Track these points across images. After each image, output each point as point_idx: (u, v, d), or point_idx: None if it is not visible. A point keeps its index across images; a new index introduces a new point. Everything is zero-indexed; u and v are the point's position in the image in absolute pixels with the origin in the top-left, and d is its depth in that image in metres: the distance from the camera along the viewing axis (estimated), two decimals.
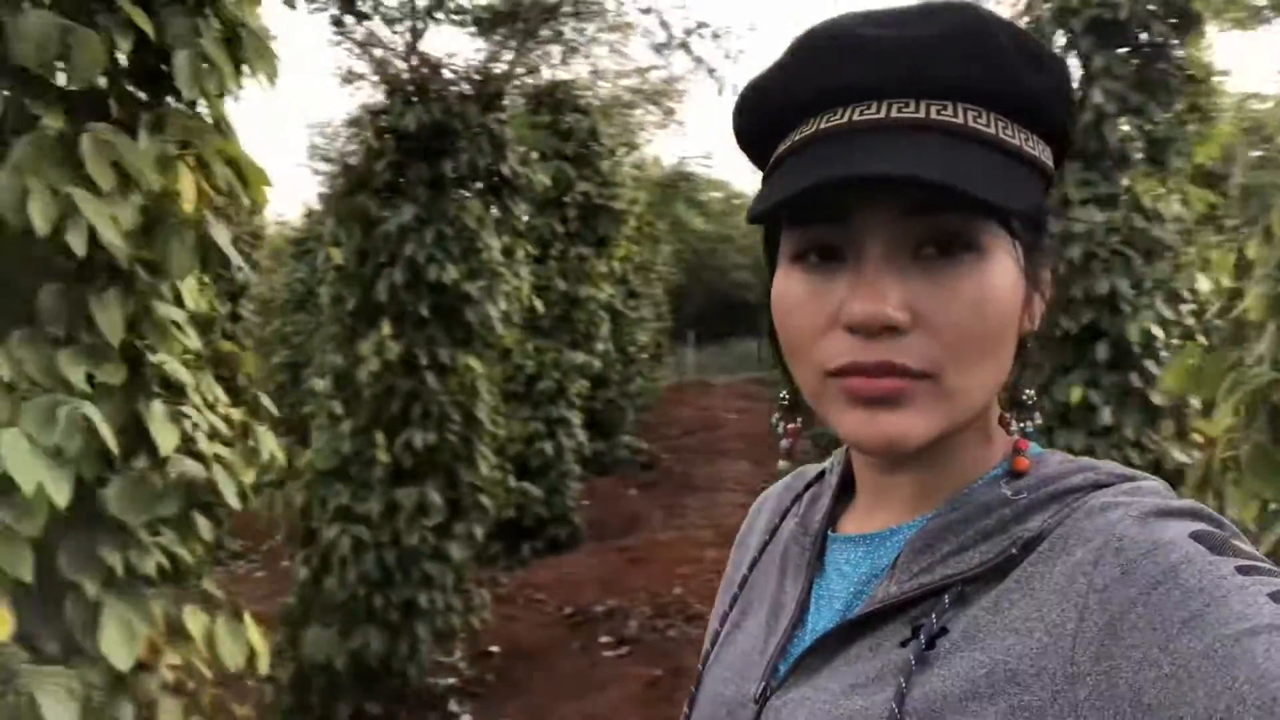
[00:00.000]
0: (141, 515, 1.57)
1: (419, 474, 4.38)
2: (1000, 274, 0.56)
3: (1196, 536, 0.50)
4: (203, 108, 1.80)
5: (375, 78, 4.64)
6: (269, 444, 1.91)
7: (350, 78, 5.10)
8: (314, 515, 4.38)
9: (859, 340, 0.55)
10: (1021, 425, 0.62)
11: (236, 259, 1.68)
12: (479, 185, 4.66)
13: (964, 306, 0.55)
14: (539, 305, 5.46)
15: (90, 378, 1.47)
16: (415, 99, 4.50)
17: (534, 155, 5.22)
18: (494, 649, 5.33)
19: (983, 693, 0.51)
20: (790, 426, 0.69)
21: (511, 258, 4.72)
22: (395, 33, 4.58)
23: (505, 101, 4.86)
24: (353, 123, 4.67)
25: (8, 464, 1.27)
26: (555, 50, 5.53)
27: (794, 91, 0.59)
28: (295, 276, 10.57)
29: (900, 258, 0.55)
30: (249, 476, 1.84)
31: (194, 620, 1.70)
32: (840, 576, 0.65)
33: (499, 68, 4.83)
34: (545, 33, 5.30)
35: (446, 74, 4.65)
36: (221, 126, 1.88)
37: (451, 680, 4.95)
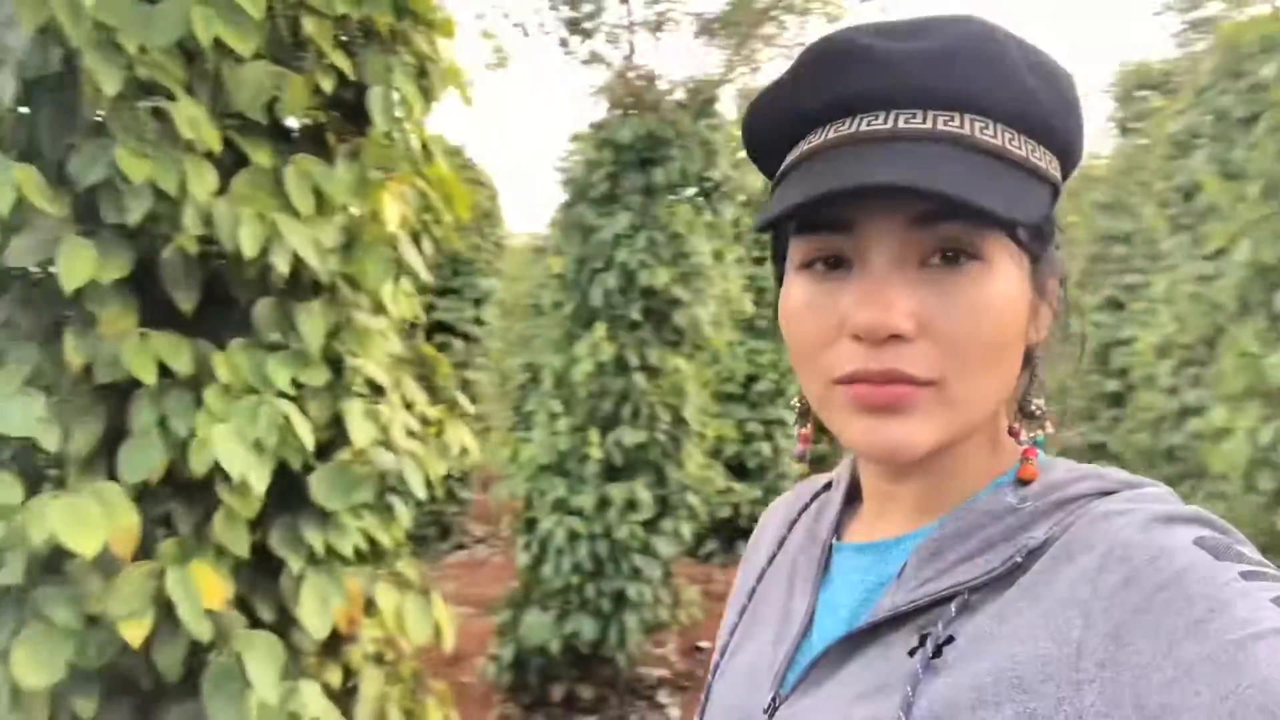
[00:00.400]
0: (340, 501, 1.77)
1: (629, 470, 4.55)
2: (1005, 284, 0.56)
3: (1200, 542, 0.50)
4: (408, 132, 1.99)
5: (597, 93, 4.86)
6: (460, 439, 2.08)
7: (577, 94, 5.36)
8: (534, 506, 4.65)
9: (864, 348, 0.56)
10: (1032, 435, 0.63)
11: (423, 272, 1.86)
12: (691, 190, 4.76)
13: (968, 315, 0.55)
14: (750, 307, 5.48)
15: (296, 381, 1.68)
16: (631, 111, 4.67)
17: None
18: (704, 644, 5.41)
19: (989, 700, 0.51)
20: (802, 432, 0.69)
21: (721, 260, 4.77)
22: (615, 49, 4.77)
23: (718, 107, 4.92)
24: (575, 138, 4.91)
25: (219, 454, 1.48)
26: (773, 50, 5.52)
27: (803, 102, 0.60)
28: (536, 284, 11.23)
29: (906, 266, 0.56)
30: (440, 469, 2.01)
31: (384, 597, 1.88)
32: (847, 585, 0.65)
33: (712, 74, 4.90)
34: (765, 31, 5.31)
35: (661, 85, 4.78)
36: (426, 150, 2.08)
37: (662, 672, 5.09)
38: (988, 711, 0.51)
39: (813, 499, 0.76)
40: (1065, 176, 0.62)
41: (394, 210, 1.87)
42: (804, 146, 0.60)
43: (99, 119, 1.52)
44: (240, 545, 1.68)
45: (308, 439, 1.59)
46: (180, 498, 1.71)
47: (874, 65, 0.57)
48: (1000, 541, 0.57)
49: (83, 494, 1.48)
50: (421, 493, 1.88)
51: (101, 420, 1.63)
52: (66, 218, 1.50)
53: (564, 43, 4.90)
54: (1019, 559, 0.55)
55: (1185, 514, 0.53)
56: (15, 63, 1.44)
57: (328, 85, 1.71)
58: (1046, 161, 0.59)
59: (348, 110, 1.86)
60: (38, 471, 1.64)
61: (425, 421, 2.10)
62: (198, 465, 1.53)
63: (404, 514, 2.03)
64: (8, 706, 1.57)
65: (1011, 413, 0.64)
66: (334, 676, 1.99)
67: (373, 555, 1.97)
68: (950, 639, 0.55)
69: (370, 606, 1.91)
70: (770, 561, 0.75)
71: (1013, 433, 0.64)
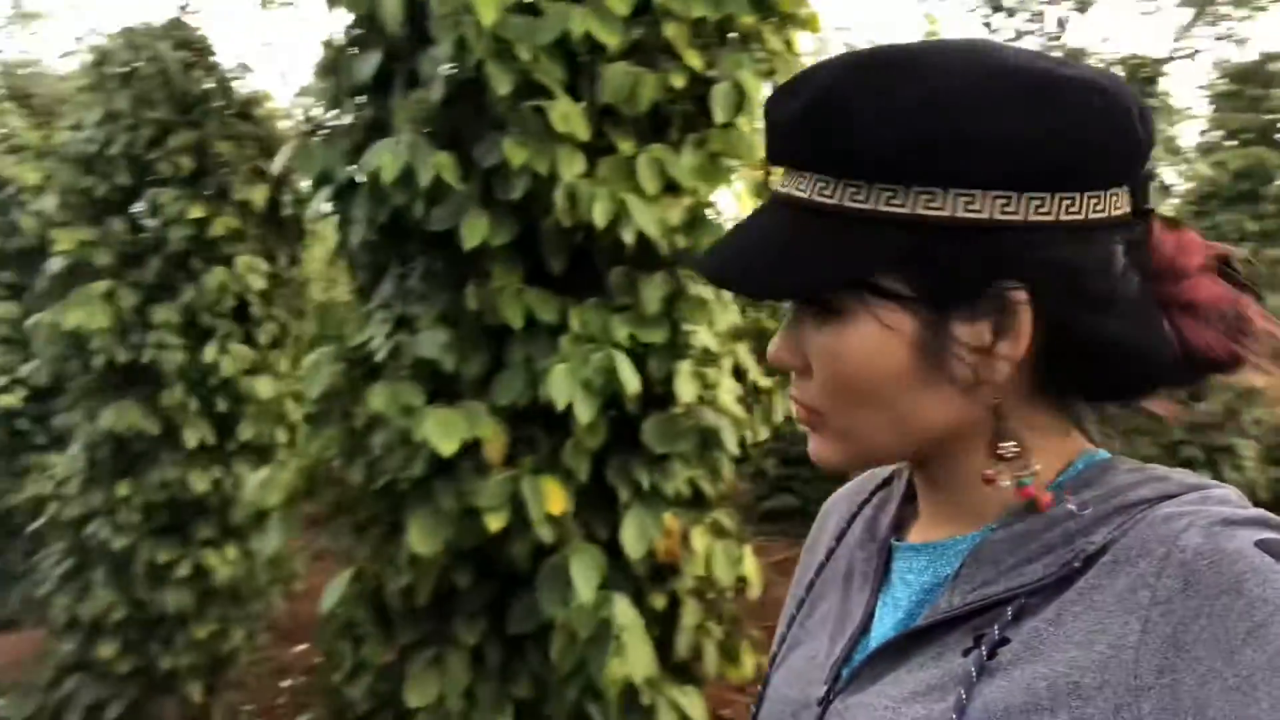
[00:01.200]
0: (665, 446, 2.02)
1: None
2: (855, 336, 0.58)
3: (1263, 545, 0.50)
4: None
5: None
6: (783, 407, 2.24)
7: None
8: None
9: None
10: (1016, 477, 0.60)
11: None
12: None
13: (822, 363, 0.61)
14: None
15: (635, 338, 1.96)
16: None
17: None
18: None
19: (1044, 705, 0.51)
20: None
21: None
22: (1039, 26, 4.50)
23: (1160, 84, 4.41)
24: None
25: (551, 387, 1.81)
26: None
27: None
28: None
29: (804, 310, 0.62)
30: (761, 433, 2.19)
31: (699, 539, 2.11)
32: (904, 585, 0.66)
33: (1152, 52, 4.40)
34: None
35: (1093, 62, 4.41)
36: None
37: None
38: (1041, 716, 0.51)
39: (873, 493, 0.76)
40: (1058, 185, 0.55)
41: (738, 193, 2.07)
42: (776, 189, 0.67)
43: (498, 115, 1.91)
44: (582, 470, 2.01)
45: (630, 384, 1.86)
46: (541, 424, 2.09)
47: (768, 129, 0.63)
48: (1059, 546, 0.57)
49: (456, 408, 1.89)
50: (735, 451, 2.07)
51: (488, 353, 2.06)
52: (471, 194, 1.92)
53: (987, 24, 4.73)
54: (1076, 564, 0.55)
55: (1248, 516, 0.52)
56: (440, 71, 1.87)
57: (680, 81, 1.94)
58: (916, 203, 0.55)
59: (698, 103, 2.09)
60: (437, 388, 2.11)
61: (756, 389, 2.29)
62: (545, 397, 1.88)
63: (727, 467, 2.24)
64: (406, 569, 2.06)
65: (989, 454, 0.61)
66: (659, 602, 2.28)
67: (696, 501, 2.21)
68: (1005, 641, 0.55)
69: (688, 546, 2.15)
70: (829, 556, 0.76)
71: (987, 480, 0.60)
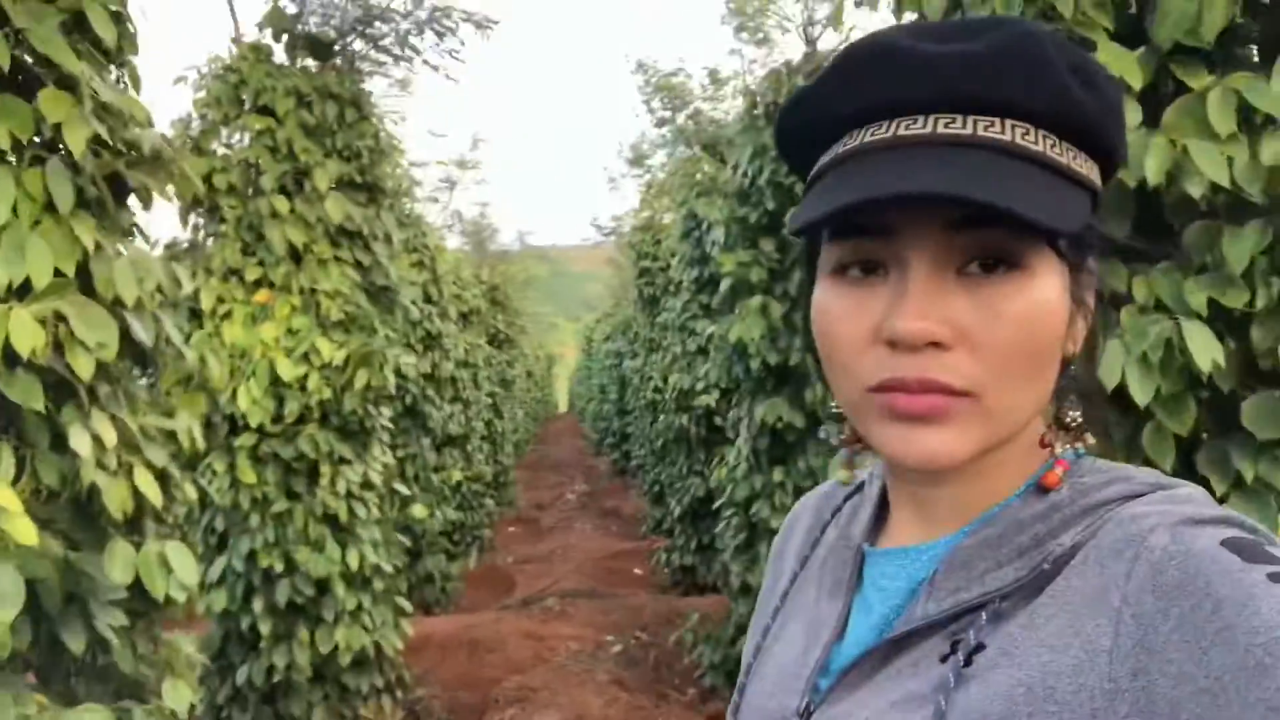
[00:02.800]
0: (1271, 430, 1.68)
1: None
2: (1045, 294, 0.55)
3: (1228, 544, 0.49)
4: None
5: None
6: None
7: None
8: None
9: (901, 355, 0.55)
10: (1066, 447, 0.60)
11: None
12: None
13: (1008, 325, 0.55)
14: None
15: (1216, 303, 1.67)
16: None
17: None
18: None
19: (1021, 711, 0.51)
20: (844, 438, 0.68)
21: None
22: None
23: None
24: None
25: (1099, 366, 1.64)
26: None
27: (839, 104, 0.59)
28: None
29: (944, 273, 0.56)
30: None
31: None
32: (878, 591, 0.65)
33: None
34: None
35: None
36: None
37: None
38: None
39: (845, 500, 0.74)
40: (1105, 182, 0.59)
41: None
42: (839, 149, 0.59)
43: None
44: (1166, 458, 1.78)
45: (1203, 358, 1.60)
46: (1116, 405, 1.90)
47: (914, 68, 0.56)
48: (1029, 549, 0.56)
49: None
50: None
51: None
52: None
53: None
54: (1046, 566, 0.55)
55: (1214, 515, 0.52)
56: None
57: None
58: (1087, 168, 0.57)
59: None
60: None
61: None
62: (1103, 376, 1.72)
63: None
64: None
65: (1046, 423, 0.61)
66: None
67: None
68: (981, 646, 0.55)
69: None
70: (802, 563, 0.74)
71: (1044, 443, 0.60)
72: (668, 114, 9.44)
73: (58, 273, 1.71)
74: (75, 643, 2.02)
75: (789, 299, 4.55)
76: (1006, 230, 0.54)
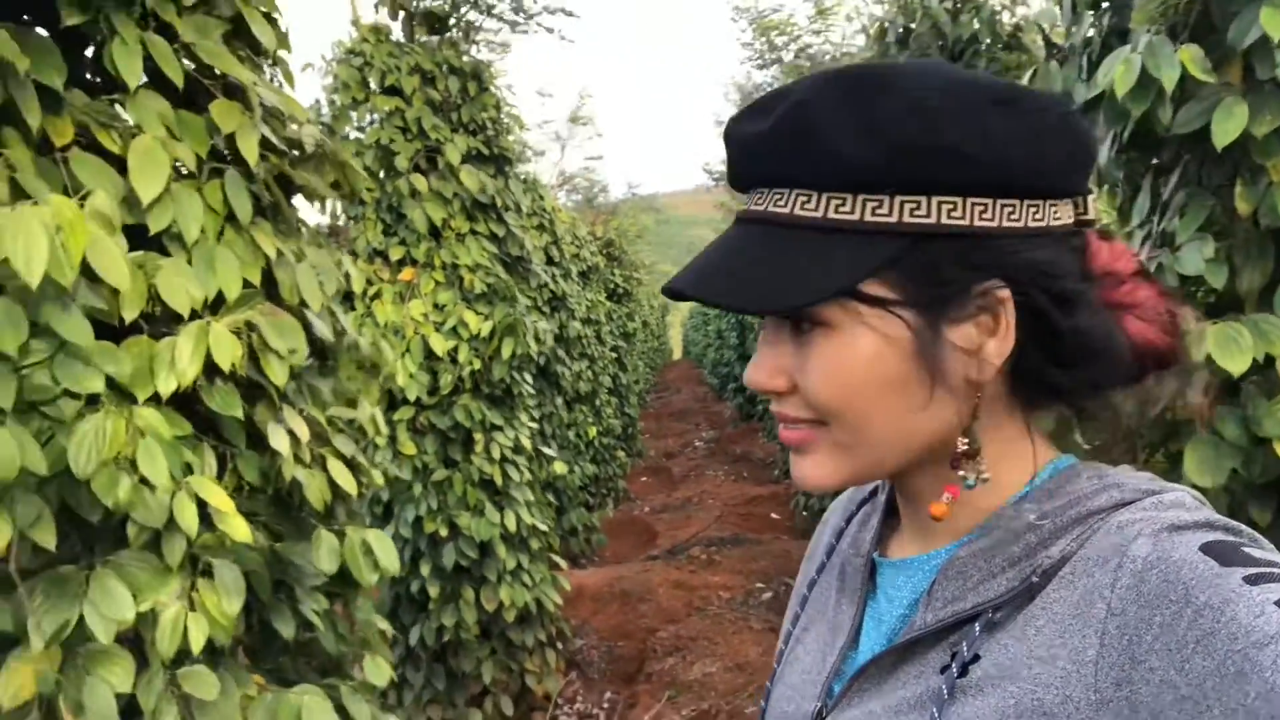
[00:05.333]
0: None
1: None
2: (849, 346, 0.59)
3: (1207, 549, 0.50)
4: None
5: None
6: None
7: None
8: None
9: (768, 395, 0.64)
10: (962, 475, 0.62)
11: None
12: None
13: (818, 378, 0.60)
14: None
15: None
16: None
17: None
18: None
19: None
20: None
21: None
22: None
23: None
24: None
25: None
26: None
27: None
28: None
29: (780, 330, 0.63)
30: None
31: None
32: (888, 600, 0.68)
33: None
34: None
35: None
36: None
37: None
38: None
39: (859, 507, 0.78)
40: (1023, 193, 0.58)
41: None
42: None
43: None
44: None
45: None
46: None
47: (734, 151, 0.63)
48: (1021, 560, 0.58)
49: (1241, 322, 1.69)
50: None
51: (1270, 260, 1.78)
52: (1224, 84, 1.68)
53: None
54: (1035, 578, 0.56)
55: (1195, 520, 0.53)
56: None
57: None
58: (901, 212, 0.57)
59: None
60: (1216, 303, 1.90)
61: None
62: None
63: None
64: None
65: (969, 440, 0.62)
66: None
67: None
68: (976, 658, 0.57)
69: None
70: (820, 569, 0.78)
71: (953, 464, 0.63)
72: (773, 55, 9.15)
73: (246, 284, 1.76)
74: (286, 628, 2.12)
75: None
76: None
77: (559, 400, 7.78)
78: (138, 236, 1.71)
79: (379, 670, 2.33)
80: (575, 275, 8.88)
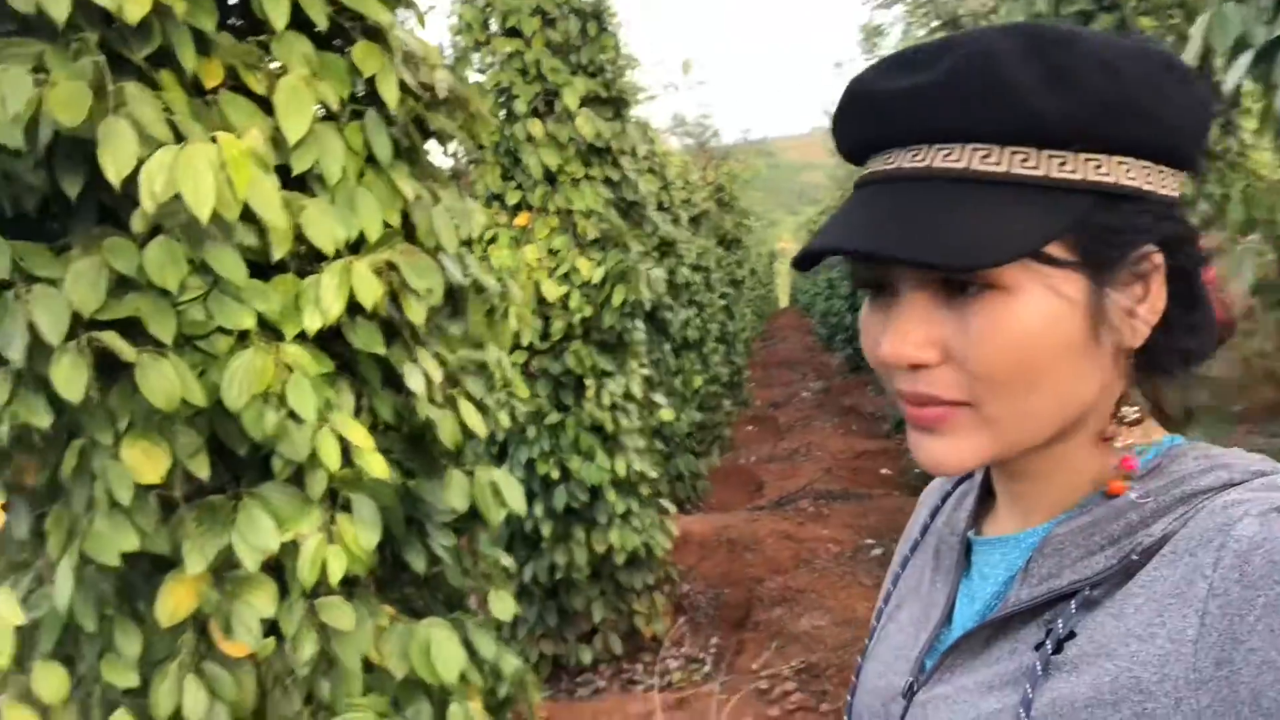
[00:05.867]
0: None
1: None
2: (1028, 308, 0.56)
3: None
4: None
5: None
6: None
7: None
8: None
9: (902, 371, 0.59)
10: (1129, 444, 0.61)
11: None
12: None
13: (986, 344, 0.56)
14: None
15: None
16: None
17: None
18: None
19: (1107, 700, 0.52)
20: None
21: None
22: None
23: None
24: None
25: None
26: None
27: (839, 144, 0.64)
28: None
29: (928, 295, 0.58)
30: None
31: None
32: (982, 578, 0.67)
33: None
34: None
35: None
36: None
37: None
38: (1105, 710, 0.52)
39: (955, 486, 0.77)
40: (1176, 162, 0.58)
41: None
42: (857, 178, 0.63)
43: None
44: None
45: None
46: None
47: (876, 109, 0.59)
48: (1121, 537, 0.57)
49: None
50: None
51: None
52: None
53: None
54: (1134, 556, 0.55)
55: None
56: None
57: None
58: (1078, 170, 0.56)
59: None
60: None
61: None
62: None
63: None
64: None
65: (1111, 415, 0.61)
66: None
67: None
68: (1072, 635, 0.56)
69: None
70: (914, 549, 0.78)
71: (1105, 437, 0.61)
72: None
73: (385, 225, 1.78)
74: (418, 561, 2.19)
75: None
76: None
77: (667, 347, 7.78)
78: (285, 178, 1.74)
79: (503, 605, 2.39)
80: (685, 221, 8.80)
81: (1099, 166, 0.56)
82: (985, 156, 0.56)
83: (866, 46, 10.31)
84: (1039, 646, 0.57)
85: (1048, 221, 0.55)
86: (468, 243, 4.31)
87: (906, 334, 0.58)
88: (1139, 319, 0.59)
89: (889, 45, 9.85)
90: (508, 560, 2.52)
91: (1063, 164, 0.56)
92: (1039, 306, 0.56)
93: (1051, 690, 0.55)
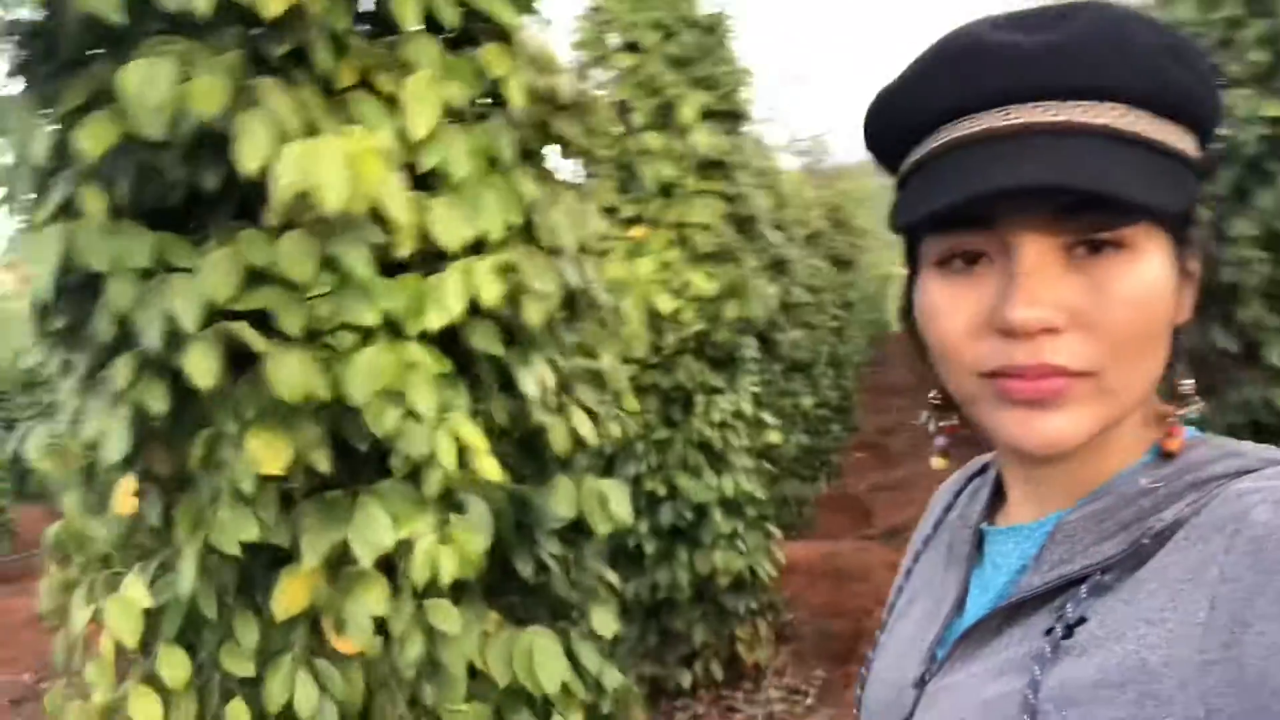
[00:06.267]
0: None
1: None
2: (1153, 270, 0.56)
3: None
4: None
5: None
6: None
7: None
8: None
9: (1015, 342, 0.55)
10: (1181, 414, 0.61)
11: None
12: None
13: (1120, 306, 0.55)
14: None
15: None
16: None
17: None
18: None
19: (1114, 680, 0.52)
20: (946, 425, 0.69)
21: None
22: None
23: None
24: None
25: None
26: None
27: (930, 99, 0.59)
28: None
29: (1051, 259, 0.56)
30: None
31: None
32: (995, 568, 0.67)
33: None
34: None
35: None
36: None
37: None
38: (1111, 691, 0.52)
39: (968, 481, 0.78)
40: (1204, 150, 0.60)
41: None
42: (931, 144, 0.59)
43: None
44: None
45: None
46: None
47: (1000, 61, 0.56)
48: (1133, 522, 0.57)
49: None
50: None
51: None
52: None
53: None
54: (1146, 540, 0.56)
55: None
56: None
57: None
58: (1185, 143, 0.58)
59: None
60: None
61: None
62: None
63: None
64: None
65: (1161, 392, 0.62)
66: None
67: None
68: (1082, 620, 0.56)
69: None
70: (926, 543, 0.77)
71: (1162, 415, 0.62)
72: None
73: (507, 225, 1.77)
74: (525, 568, 2.17)
75: (1217, 201, 3.87)
76: (1110, 213, 0.54)
77: (776, 368, 7.65)
78: (411, 178, 1.76)
79: (605, 620, 2.35)
80: (799, 239, 8.68)
81: (1189, 142, 0.59)
82: (1120, 115, 0.56)
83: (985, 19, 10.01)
84: (1049, 632, 0.57)
85: (1179, 186, 0.56)
86: (584, 250, 4.33)
87: (1040, 297, 0.55)
88: (1185, 295, 0.61)
89: None
90: (612, 576, 2.47)
91: (1172, 134, 0.58)
92: (1159, 270, 0.56)
93: (1059, 673, 0.55)
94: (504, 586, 2.35)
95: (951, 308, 0.59)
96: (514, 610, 2.36)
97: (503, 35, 1.85)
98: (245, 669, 1.78)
